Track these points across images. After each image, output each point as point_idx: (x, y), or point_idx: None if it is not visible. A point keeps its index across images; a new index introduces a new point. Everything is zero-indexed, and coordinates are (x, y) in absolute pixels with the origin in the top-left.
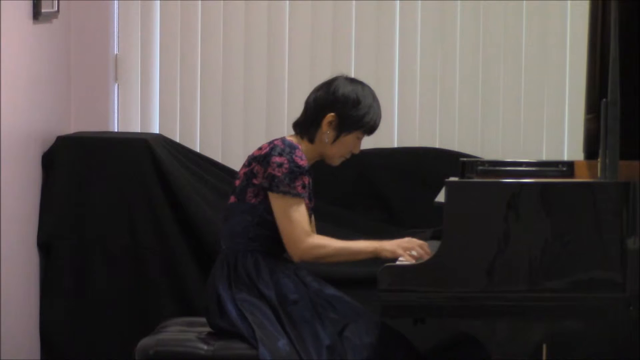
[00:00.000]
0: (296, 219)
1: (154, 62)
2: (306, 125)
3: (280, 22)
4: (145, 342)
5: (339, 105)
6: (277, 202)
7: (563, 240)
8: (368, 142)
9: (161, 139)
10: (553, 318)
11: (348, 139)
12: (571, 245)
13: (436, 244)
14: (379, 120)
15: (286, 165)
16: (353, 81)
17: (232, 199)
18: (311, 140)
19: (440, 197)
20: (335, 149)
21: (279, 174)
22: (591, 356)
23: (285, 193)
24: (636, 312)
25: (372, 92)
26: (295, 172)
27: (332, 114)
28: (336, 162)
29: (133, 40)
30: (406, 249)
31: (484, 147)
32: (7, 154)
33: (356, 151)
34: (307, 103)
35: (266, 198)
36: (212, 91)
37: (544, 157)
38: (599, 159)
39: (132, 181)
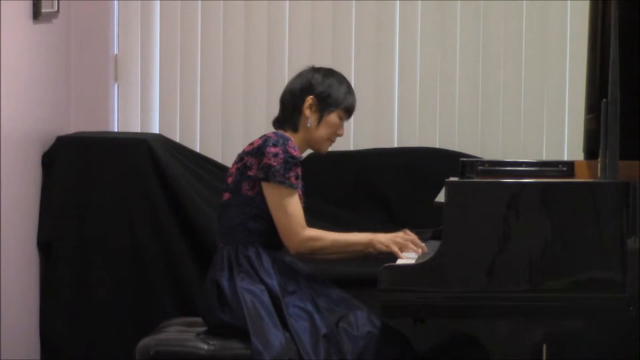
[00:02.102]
0: (292, 211)
1: (154, 62)
2: (286, 115)
3: (280, 22)
4: (145, 342)
5: (315, 87)
6: (271, 192)
7: (563, 240)
8: (368, 142)
9: (161, 139)
10: (553, 318)
11: (331, 119)
12: (571, 245)
13: (436, 244)
14: (355, 100)
15: (281, 155)
16: (321, 68)
17: (226, 195)
18: (295, 129)
19: (440, 197)
20: (321, 130)
21: (275, 164)
22: (591, 356)
23: (280, 183)
24: (636, 312)
25: (342, 74)
26: (290, 162)
27: (311, 96)
28: (324, 147)
29: (133, 40)
30: (399, 245)
31: (484, 147)
32: (7, 154)
33: (341, 133)
34: (282, 97)
35: (262, 189)
36: (212, 91)
37: (544, 157)
38: (599, 159)
39: (132, 181)
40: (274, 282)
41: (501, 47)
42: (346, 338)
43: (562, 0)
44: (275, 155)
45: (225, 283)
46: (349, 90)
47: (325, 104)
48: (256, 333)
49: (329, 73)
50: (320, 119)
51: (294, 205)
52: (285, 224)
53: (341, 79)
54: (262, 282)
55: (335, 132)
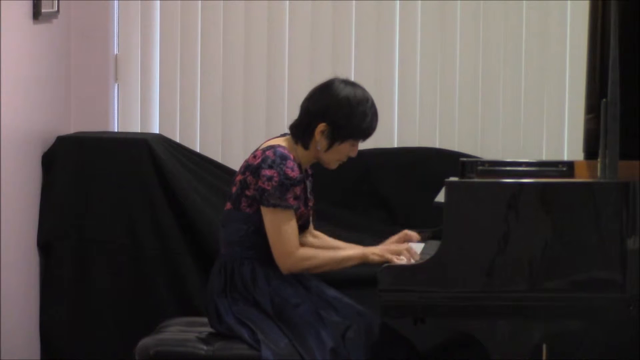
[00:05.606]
0: (285, 232)
1: (154, 62)
2: (300, 132)
3: (280, 22)
4: (145, 342)
5: (331, 115)
6: (267, 215)
7: (563, 240)
8: (368, 142)
9: (161, 139)
10: (553, 318)
11: (342, 147)
12: (571, 245)
13: (436, 244)
14: (375, 125)
15: (276, 179)
16: (347, 86)
17: (228, 205)
18: (305, 147)
19: (440, 197)
20: (330, 155)
21: (269, 188)
22: (591, 356)
23: (275, 206)
24: (636, 312)
25: (366, 96)
26: (286, 184)
27: (324, 123)
28: (332, 166)
29: (133, 40)
30: (394, 253)
31: (484, 147)
32: (7, 154)
33: (353, 155)
34: (301, 108)
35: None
36: (212, 91)
37: (544, 157)
38: (599, 159)
39: (132, 181)
40: (267, 302)
41: (501, 47)
42: (352, 350)
43: (562, 0)
44: (270, 178)
45: (219, 302)
46: (367, 117)
47: (337, 134)
48: (264, 340)
49: (352, 95)
50: (330, 146)
51: (289, 226)
52: (278, 246)
53: (364, 104)
54: (257, 303)
55: (346, 155)
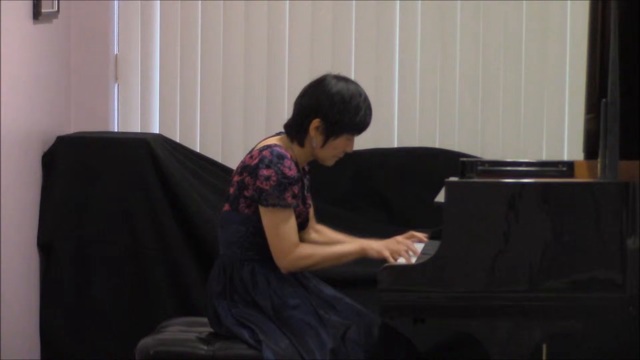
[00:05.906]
0: (284, 232)
1: (154, 62)
2: (294, 130)
3: (280, 22)
4: (145, 342)
5: (324, 111)
6: (266, 215)
7: (563, 240)
8: (368, 142)
9: (161, 139)
10: (553, 318)
11: (338, 142)
12: (571, 245)
13: (436, 244)
14: (369, 119)
15: (274, 178)
16: (339, 81)
17: (226, 207)
18: (301, 145)
19: (440, 197)
20: (326, 151)
21: (267, 187)
22: (591, 356)
23: (274, 205)
24: (636, 312)
25: (359, 91)
26: (284, 183)
27: (318, 119)
28: (329, 162)
29: (133, 40)
30: (392, 252)
31: (484, 147)
32: (7, 154)
33: (349, 150)
34: (295, 105)
35: (259, 208)
36: (212, 91)
37: (544, 157)
38: (599, 159)
39: (132, 181)
40: (267, 304)
41: (501, 47)
42: (352, 350)
43: (562, 0)
44: (267, 178)
45: (218, 304)
46: (361, 111)
47: (332, 129)
48: (265, 340)
49: (344, 90)
50: (325, 142)
51: (288, 225)
52: (276, 245)
53: (357, 98)
54: (257, 305)
55: (343, 151)
